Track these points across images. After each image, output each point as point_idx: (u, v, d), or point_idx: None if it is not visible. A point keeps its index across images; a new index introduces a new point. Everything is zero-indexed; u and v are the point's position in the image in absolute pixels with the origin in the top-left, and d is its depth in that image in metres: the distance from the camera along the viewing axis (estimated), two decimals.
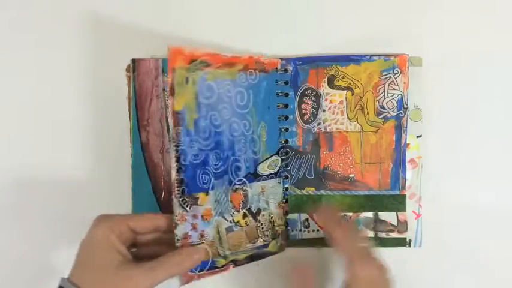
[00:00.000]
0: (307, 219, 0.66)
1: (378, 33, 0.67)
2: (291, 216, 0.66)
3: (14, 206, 0.66)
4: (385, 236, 0.67)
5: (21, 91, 0.66)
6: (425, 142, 0.66)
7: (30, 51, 0.66)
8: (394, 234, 0.67)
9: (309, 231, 0.66)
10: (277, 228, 0.65)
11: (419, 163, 0.66)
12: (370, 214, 0.67)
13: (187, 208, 0.56)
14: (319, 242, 0.66)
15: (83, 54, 0.66)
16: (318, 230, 0.66)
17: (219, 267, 0.59)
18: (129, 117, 0.65)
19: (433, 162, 0.67)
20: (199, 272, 0.57)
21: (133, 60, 0.65)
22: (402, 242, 0.67)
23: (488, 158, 0.67)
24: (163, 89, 0.64)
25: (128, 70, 0.65)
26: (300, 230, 0.66)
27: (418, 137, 0.66)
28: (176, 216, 0.55)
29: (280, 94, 0.65)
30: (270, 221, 0.64)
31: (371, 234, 0.67)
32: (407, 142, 0.66)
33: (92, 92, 0.66)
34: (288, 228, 0.66)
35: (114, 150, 0.66)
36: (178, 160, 0.55)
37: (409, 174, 0.66)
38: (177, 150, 0.54)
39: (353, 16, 0.67)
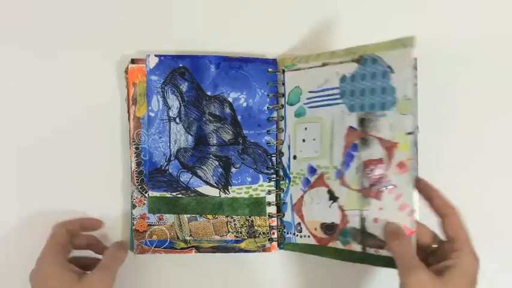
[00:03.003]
0: (299, 223, 0.66)
1: (376, 33, 0.67)
2: (286, 218, 0.67)
3: (13, 207, 0.67)
4: (373, 253, 0.58)
5: (18, 92, 0.67)
6: (420, 143, 0.66)
7: (29, 51, 0.66)
8: (384, 252, 0.57)
9: (301, 236, 0.65)
10: (256, 228, 0.66)
11: (410, 166, 0.55)
12: (357, 225, 0.59)
13: (146, 194, 0.65)
14: (310, 249, 0.65)
15: (82, 55, 0.67)
16: (309, 236, 0.64)
17: (178, 249, 0.66)
18: (128, 118, 0.65)
19: (429, 165, 0.66)
20: (154, 247, 0.65)
21: (132, 61, 0.65)
22: (391, 263, 0.55)
23: (488, 160, 0.67)
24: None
25: (126, 71, 0.65)
26: (294, 234, 0.66)
27: (408, 133, 0.55)
28: (134, 199, 0.65)
29: None
30: (247, 220, 0.65)
31: (358, 248, 0.60)
32: (395, 141, 0.56)
33: (91, 93, 0.67)
34: (285, 230, 0.67)
35: (114, 151, 0.67)
36: (138, 156, 0.65)
37: (397, 179, 0.56)
38: (137, 148, 0.65)
39: (352, 17, 0.68)
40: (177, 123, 0.65)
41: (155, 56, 0.64)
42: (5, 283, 0.67)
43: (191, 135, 0.65)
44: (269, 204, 0.66)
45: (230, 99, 0.65)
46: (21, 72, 0.66)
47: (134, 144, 0.65)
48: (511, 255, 0.68)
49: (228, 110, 0.65)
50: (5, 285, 0.67)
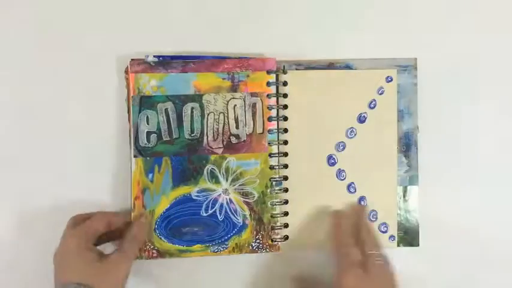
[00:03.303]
0: None
1: (374, 35, 0.67)
2: None
3: (13, 206, 0.66)
4: None
5: (18, 92, 0.66)
6: (422, 153, 0.67)
7: (29, 51, 0.66)
8: None
9: None
10: None
11: None
12: None
13: None
14: None
15: (82, 55, 0.66)
16: None
17: None
18: (128, 119, 0.65)
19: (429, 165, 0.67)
20: None
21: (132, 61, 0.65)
22: None
23: (488, 160, 0.68)
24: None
25: (126, 72, 0.65)
26: None
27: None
28: None
29: None
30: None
31: None
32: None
33: (91, 93, 0.66)
34: None
35: (114, 151, 0.66)
36: None
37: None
38: None
39: (352, 19, 0.68)
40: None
41: (154, 56, 0.64)
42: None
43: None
44: (273, 204, 0.66)
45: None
46: (21, 73, 0.66)
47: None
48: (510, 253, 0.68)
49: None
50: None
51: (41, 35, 0.66)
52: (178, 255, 0.65)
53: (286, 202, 0.66)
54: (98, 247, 0.61)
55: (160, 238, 0.64)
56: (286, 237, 0.66)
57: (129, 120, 0.64)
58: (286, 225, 0.66)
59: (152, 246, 0.64)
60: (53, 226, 0.62)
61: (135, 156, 0.64)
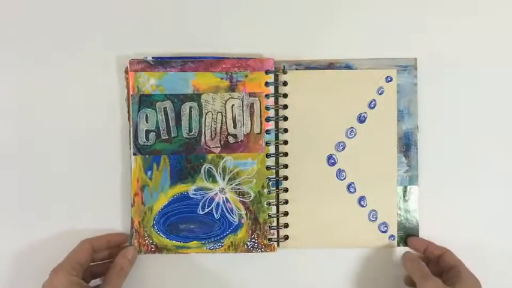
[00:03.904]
0: None
1: (374, 35, 0.68)
2: None
3: (13, 204, 0.67)
4: None
5: (18, 92, 0.67)
6: (422, 153, 0.67)
7: (29, 51, 0.67)
8: None
9: None
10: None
11: None
12: None
13: None
14: None
15: (82, 55, 0.67)
16: None
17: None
18: (128, 118, 0.65)
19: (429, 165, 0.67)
20: None
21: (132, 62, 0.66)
22: None
23: (488, 160, 0.67)
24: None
25: (126, 72, 0.65)
26: None
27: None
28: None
29: None
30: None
31: None
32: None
33: (92, 93, 0.67)
34: None
35: (115, 151, 0.67)
36: None
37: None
38: None
39: (351, 18, 0.68)
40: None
41: (152, 58, 0.65)
42: None
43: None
44: (269, 204, 0.66)
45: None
46: (21, 73, 0.67)
47: None
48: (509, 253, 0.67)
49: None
50: None
51: (41, 35, 0.67)
52: (176, 251, 0.66)
53: (286, 202, 0.67)
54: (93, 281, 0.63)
55: (159, 234, 0.65)
56: (286, 237, 0.66)
57: (129, 120, 0.65)
58: (286, 225, 0.66)
59: (151, 241, 0.65)
60: (49, 225, 0.63)
61: (134, 154, 0.65)
